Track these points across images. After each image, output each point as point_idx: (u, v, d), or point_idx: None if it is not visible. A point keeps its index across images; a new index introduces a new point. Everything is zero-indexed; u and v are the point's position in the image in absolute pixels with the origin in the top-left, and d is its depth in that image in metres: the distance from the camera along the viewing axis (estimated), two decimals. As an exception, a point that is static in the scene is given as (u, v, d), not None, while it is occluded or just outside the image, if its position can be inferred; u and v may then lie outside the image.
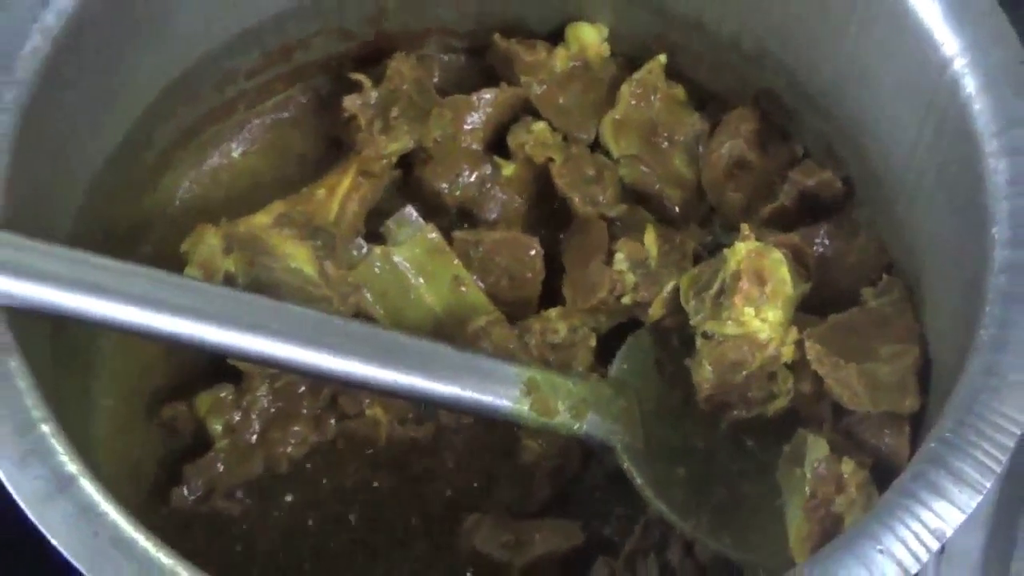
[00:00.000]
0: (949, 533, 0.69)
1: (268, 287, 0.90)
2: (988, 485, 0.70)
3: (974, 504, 0.70)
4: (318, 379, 0.87)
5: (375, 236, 0.96)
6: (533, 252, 0.94)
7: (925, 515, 0.69)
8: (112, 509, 0.68)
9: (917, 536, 0.69)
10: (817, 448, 0.83)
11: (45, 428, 0.69)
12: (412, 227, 0.95)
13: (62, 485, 0.67)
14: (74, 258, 0.75)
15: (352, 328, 0.82)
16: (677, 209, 0.98)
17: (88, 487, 0.68)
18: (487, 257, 0.94)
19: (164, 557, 0.67)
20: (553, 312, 0.93)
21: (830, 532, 0.81)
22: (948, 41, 0.81)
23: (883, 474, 0.81)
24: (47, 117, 0.79)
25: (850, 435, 0.86)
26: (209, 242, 0.89)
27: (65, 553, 0.66)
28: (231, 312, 0.77)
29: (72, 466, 0.68)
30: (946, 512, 0.69)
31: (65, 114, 0.82)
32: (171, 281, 0.78)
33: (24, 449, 0.68)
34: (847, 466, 0.81)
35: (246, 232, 0.90)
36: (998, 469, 0.71)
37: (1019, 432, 0.71)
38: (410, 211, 0.96)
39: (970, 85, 0.80)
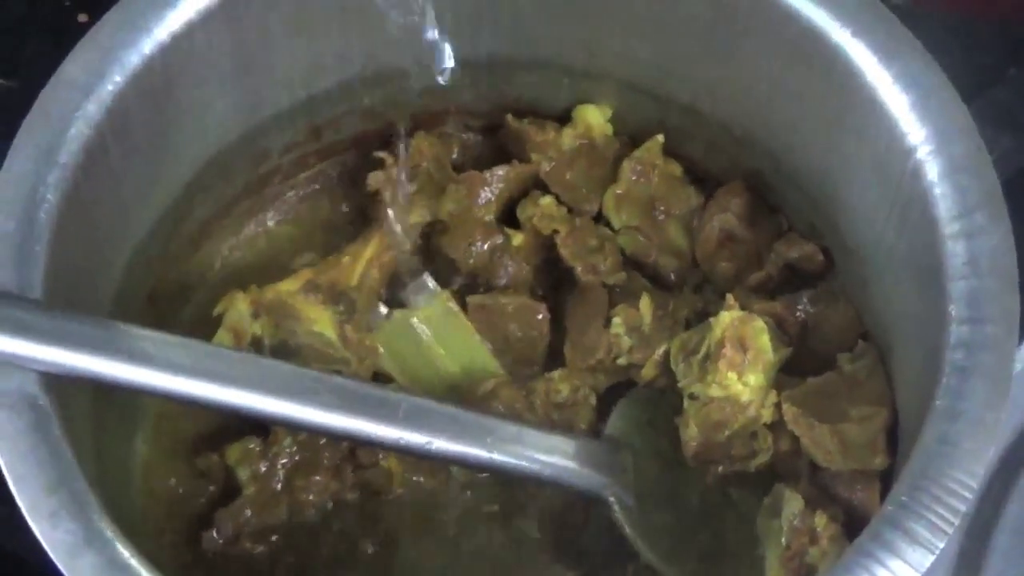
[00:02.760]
0: (903, 589, 0.70)
1: (292, 349, 0.91)
2: (940, 545, 0.70)
3: (927, 563, 0.70)
4: (333, 438, 0.88)
5: (395, 300, 0.97)
6: (540, 316, 0.95)
7: (881, 573, 0.69)
8: (136, 562, 0.68)
9: (873, 592, 0.69)
10: (793, 502, 0.84)
11: (77, 485, 0.70)
12: (429, 293, 0.96)
13: (90, 539, 0.68)
14: (111, 329, 0.77)
15: (366, 391, 0.82)
16: (672, 276, 0.98)
17: (115, 541, 0.69)
18: (499, 320, 0.95)
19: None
20: (556, 374, 0.94)
21: None
22: (914, 130, 0.81)
23: (856, 526, 0.81)
24: (89, 198, 0.80)
25: (825, 489, 0.86)
26: (239, 307, 0.91)
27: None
28: (254, 378, 0.79)
29: (101, 522, 0.69)
30: (902, 570, 0.69)
31: (107, 195, 0.83)
32: (202, 350, 0.79)
33: (56, 504, 0.69)
34: (820, 520, 0.82)
35: (273, 298, 0.91)
36: (950, 530, 0.71)
37: (970, 496, 0.71)
38: (427, 279, 0.97)
39: (932, 171, 0.80)
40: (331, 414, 0.80)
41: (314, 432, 0.86)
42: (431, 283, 0.96)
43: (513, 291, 0.97)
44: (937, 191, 0.79)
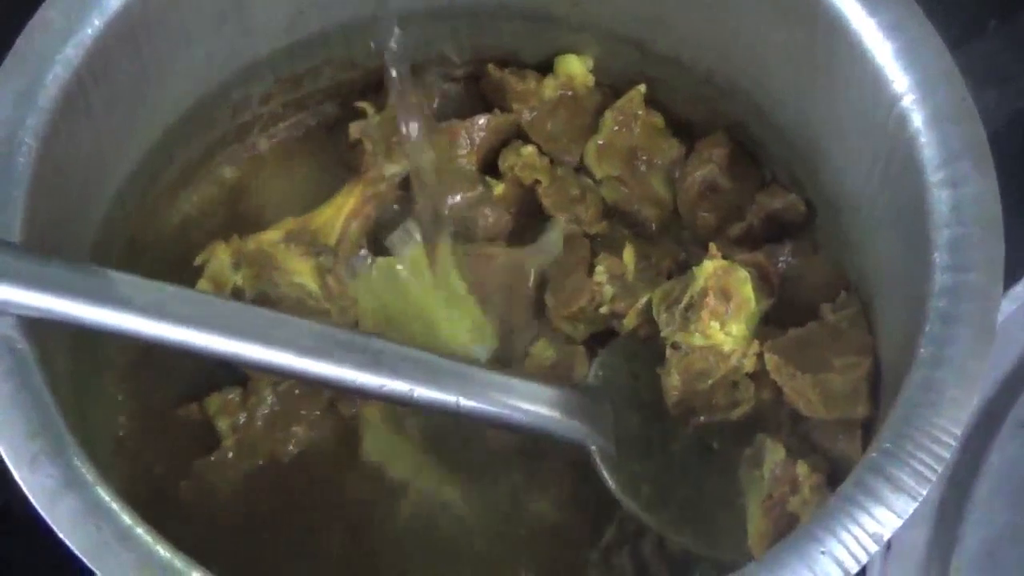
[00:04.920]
0: (887, 536, 0.69)
1: (273, 300, 0.90)
2: (924, 492, 0.70)
3: (910, 510, 0.69)
4: (314, 385, 0.87)
5: (380, 251, 0.96)
6: (528, 270, 0.94)
7: (865, 520, 0.69)
8: (117, 506, 0.68)
9: (857, 539, 0.68)
10: (775, 452, 0.83)
11: (58, 430, 0.69)
12: (413, 242, 0.95)
13: (70, 483, 0.67)
14: (90, 273, 0.75)
15: (346, 337, 0.81)
16: (654, 226, 0.97)
17: (95, 485, 0.68)
18: (485, 271, 0.94)
19: (162, 550, 0.67)
20: (537, 346, 0.93)
21: (785, 529, 0.80)
22: (898, 79, 0.80)
23: (838, 476, 0.80)
24: (68, 143, 0.79)
25: (806, 439, 0.86)
26: (220, 257, 0.90)
27: (71, 545, 0.67)
28: (235, 323, 0.77)
29: (82, 466, 0.68)
30: (884, 517, 0.69)
31: (87, 140, 0.82)
32: (181, 295, 0.77)
33: (36, 449, 0.68)
34: (802, 469, 0.81)
35: (255, 248, 0.90)
36: (933, 477, 0.70)
37: (954, 444, 0.71)
38: (412, 227, 0.96)
39: (917, 120, 0.79)
40: (312, 360, 0.78)
41: (294, 378, 0.85)
42: (415, 232, 0.95)
43: (495, 239, 0.96)
44: (922, 139, 0.78)
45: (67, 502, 0.67)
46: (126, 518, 0.68)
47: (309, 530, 0.89)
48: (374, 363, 0.80)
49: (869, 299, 0.88)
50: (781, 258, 0.93)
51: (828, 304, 0.89)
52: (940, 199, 0.77)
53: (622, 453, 0.87)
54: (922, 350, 0.73)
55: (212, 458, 0.89)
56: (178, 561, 0.67)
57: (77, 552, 0.67)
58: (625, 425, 0.88)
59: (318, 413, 0.90)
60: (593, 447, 0.86)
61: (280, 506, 0.89)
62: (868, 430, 0.83)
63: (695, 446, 0.88)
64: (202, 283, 0.90)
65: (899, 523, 0.69)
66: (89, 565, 0.67)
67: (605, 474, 0.86)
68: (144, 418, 0.91)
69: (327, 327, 0.82)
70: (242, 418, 0.89)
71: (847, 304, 0.89)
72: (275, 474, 0.90)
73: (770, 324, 0.88)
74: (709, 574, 0.86)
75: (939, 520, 0.85)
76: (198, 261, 0.91)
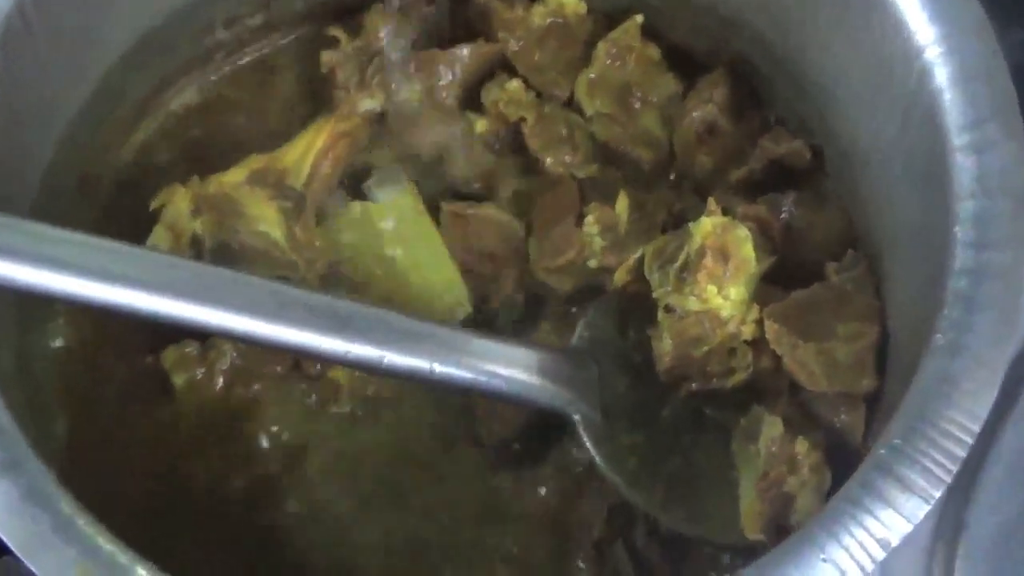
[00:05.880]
0: (895, 543, 0.64)
1: (235, 250, 0.84)
2: (936, 495, 0.65)
3: (921, 514, 0.64)
4: (274, 350, 0.81)
5: (357, 193, 0.89)
6: (517, 235, 0.88)
7: (871, 523, 0.64)
8: (55, 490, 0.63)
9: (862, 545, 0.63)
10: (772, 427, 0.78)
11: None
12: (397, 186, 0.88)
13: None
14: (29, 231, 0.69)
15: (313, 300, 0.75)
16: (647, 169, 0.90)
17: (34, 471, 0.63)
18: (471, 232, 0.88)
19: (105, 542, 0.62)
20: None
21: (780, 512, 0.76)
22: (922, 28, 0.73)
23: (838, 453, 0.76)
24: (15, 67, 0.74)
25: (806, 410, 0.80)
26: (178, 204, 0.83)
27: (2, 537, 0.62)
28: (187, 285, 0.71)
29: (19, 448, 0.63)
30: (892, 521, 0.64)
31: (35, 64, 0.76)
32: (126, 253, 0.71)
33: None
34: (801, 446, 0.76)
35: (216, 192, 0.83)
36: (948, 479, 0.65)
37: (970, 441, 0.66)
38: (397, 169, 0.89)
39: (941, 76, 0.73)
40: (274, 325, 0.73)
41: (255, 345, 0.78)
42: (401, 175, 0.89)
43: (475, 182, 0.90)
44: (946, 98, 0.72)
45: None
46: (65, 506, 0.63)
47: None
48: (341, 327, 0.74)
49: (877, 260, 0.82)
50: (784, 208, 0.86)
51: (833, 264, 0.83)
52: (964, 166, 0.71)
53: (608, 422, 0.81)
54: (938, 336, 0.68)
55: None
56: (122, 556, 0.62)
57: (10, 545, 0.62)
58: (612, 392, 0.82)
59: (279, 370, 0.83)
60: (577, 416, 0.80)
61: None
62: (872, 404, 0.78)
63: (686, 416, 0.83)
64: (158, 231, 0.83)
65: (908, 528, 0.64)
66: (24, 560, 0.61)
67: (589, 445, 0.80)
68: (90, 367, 0.84)
69: (289, 288, 0.76)
70: (200, 373, 0.83)
71: (854, 264, 0.83)
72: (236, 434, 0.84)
73: (770, 283, 0.82)
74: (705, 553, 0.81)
75: (945, 505, 0.80)
76: (154, 205, 0.84)
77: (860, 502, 0.64)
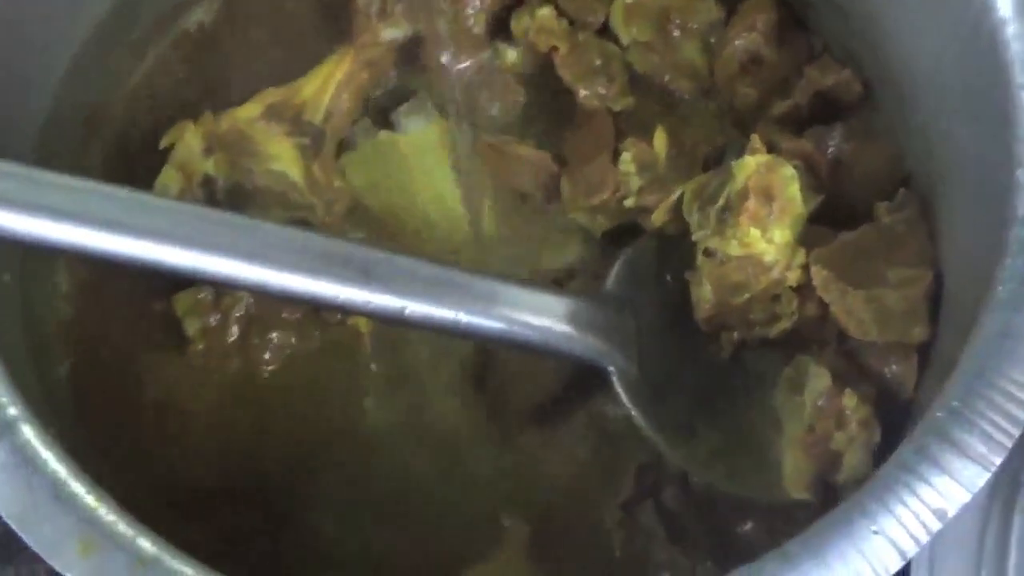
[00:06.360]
0: (952, 513, 0.60)
1: (249, 192, 0.80)
2: (997, 462, 0.60)
3: (981, 482, 0.60)
4: (290, 302, 0.77)
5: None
6: (553, 174, 0.84)
7: (925, 492, 0.59)
8: (50, 454, 0.60)
9: (916, 515, 0.59)
10: (819, 378, 0.74)
11: None
12: (426, 116, 0.85)
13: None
14: (29, 178, 0.66)
15: (332, 247, 0.70)
16: (687, 99, 0.86)
17: (29, 433, 0.60)
18: (505, 167, 0.84)
19: (105, 511, 0.59)
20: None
21: (826, 469, 0.72)
22: (987, -48, 0.68)
23: (888, 407, 0.72)
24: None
25: (854, 361, 0.76)
26: (189, 142, 0.79)
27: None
28: (197, 233, 0.67)
29: (13, 410, 0.60)
30: (949, 490, 0.59)
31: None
32: (133, 199, 0.67)
33: None
34: (850, 400, 0.72)
35: (230, 129, 0.79)
36: (1009, 444, 0.61)
37: (1035, 402, 0.61)
38: (425, 99, 0.85)
39: (1005, 7, 0.67)
40: (287, 274, 0.69)
41: (268, 295, 0.74)
42: (429, 105, 0.85)
43: (502, 115, 0.87)
44: (1009, 30, 0.67)
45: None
46: (63, 471, 0.60)
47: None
48: (359, 276, 0.70)
49: (930, 198, 0.77)
50: (831, 143, 0.81)
51: (884, 204, 0.78)
52: (1030, 106, 0.66)
53: (645, 375, 0.77)
54: (1000, 288, 0.63)
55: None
56: (123, 525, 0.59)
57: (4, 516, 0.59)
58: (649, 341, 0.78)
59: (298, 316, 0.80)
60: (612, 368, 0.76)
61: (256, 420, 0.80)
62: (925, 354, 0.73)
63: (726, 366, 0.78)
64: (167, 171, 0.80)
65: (967, 498, 0.60)
66: (19, 532, 0.58)
67: (625, 400, 0.76)
68: (99, 314, 0.81)
69: (303, 233, 0.71)
70: (214, 320, 0.79)
71: (905, 204, 0.78)
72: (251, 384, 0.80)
73: (817, 223, 0.77)
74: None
75: (1004, 462, 0.75)
76: (164, 143, 0.81)
77: (914, 469, 0.60)
